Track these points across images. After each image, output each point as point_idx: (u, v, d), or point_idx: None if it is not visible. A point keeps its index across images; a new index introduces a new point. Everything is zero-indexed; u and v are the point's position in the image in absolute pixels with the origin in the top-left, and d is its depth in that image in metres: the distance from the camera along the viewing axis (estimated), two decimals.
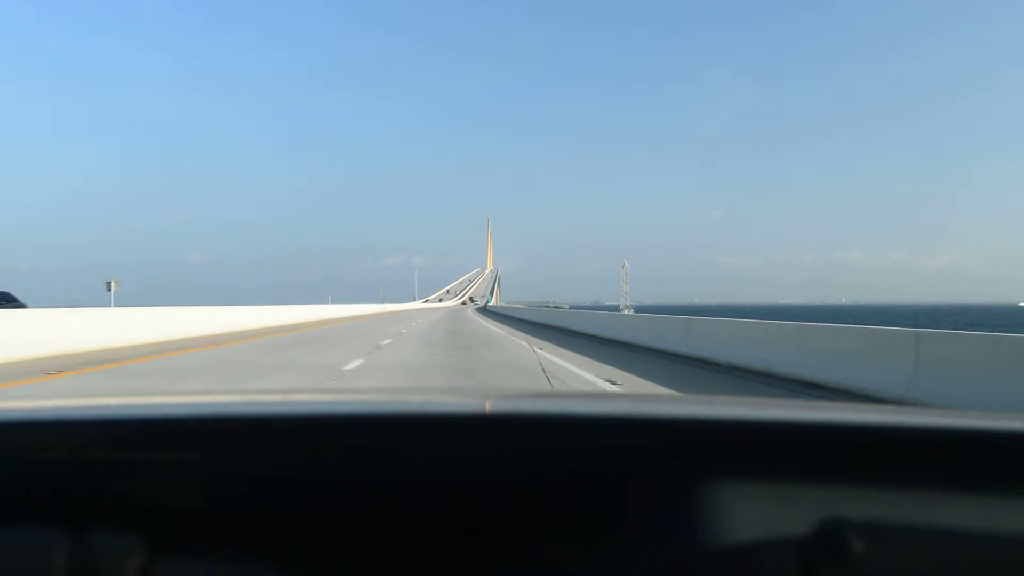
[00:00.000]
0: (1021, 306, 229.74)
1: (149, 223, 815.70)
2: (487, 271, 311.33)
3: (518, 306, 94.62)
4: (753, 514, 0.67)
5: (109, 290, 26.59)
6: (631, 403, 1.40)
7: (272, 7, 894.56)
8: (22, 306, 25.39)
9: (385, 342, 18.92)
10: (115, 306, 22.01)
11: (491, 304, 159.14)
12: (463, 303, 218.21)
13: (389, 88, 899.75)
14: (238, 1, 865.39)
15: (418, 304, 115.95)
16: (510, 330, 28.13)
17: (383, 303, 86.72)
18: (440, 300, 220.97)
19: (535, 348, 17.12)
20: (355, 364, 12.68)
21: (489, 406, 1.13)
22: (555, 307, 70.23)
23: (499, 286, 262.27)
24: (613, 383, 10.00)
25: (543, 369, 12.06)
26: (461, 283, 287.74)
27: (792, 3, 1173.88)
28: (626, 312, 45.37)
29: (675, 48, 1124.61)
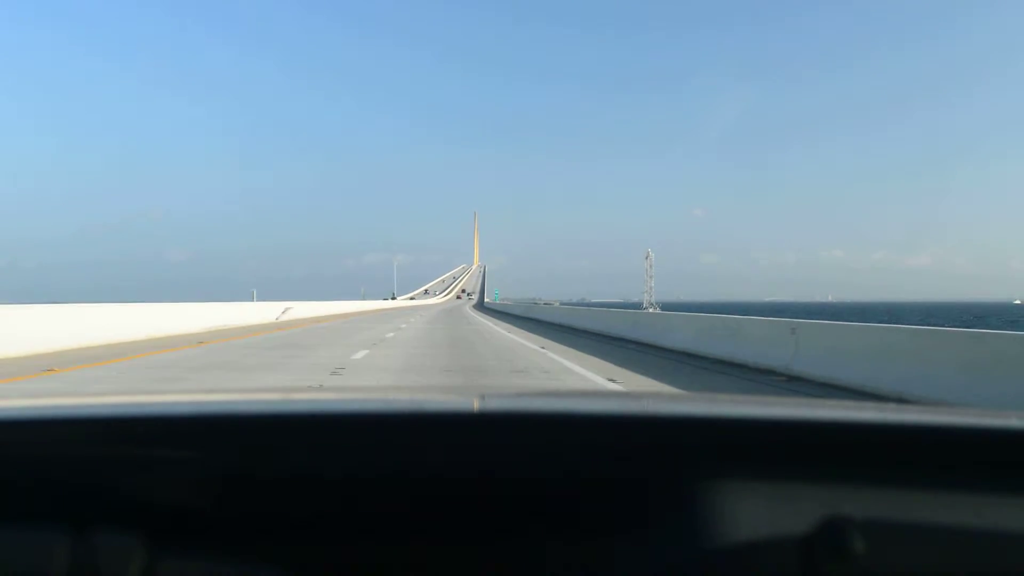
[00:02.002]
0: (1017, 304, 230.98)
1: (125, 220, 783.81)
2: (474, 267, 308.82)
3: (506, 302, 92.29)
4: (754, 512, 0.68)
5: None
6: (632, 401, 1.42)
7: (253, 8, 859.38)
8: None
9: None
10: (82, 303, 18.83)
11: (488, 300, 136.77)
12: (458, 297, 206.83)
13: (372, 90, 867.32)
14: (217, 2, 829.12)
15: (379, 304, 78.92)
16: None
17: (363, 299, 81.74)
18: (412, 299, 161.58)
19: None
20: None
21: (490, 404, 1.13)
22: (544, 304, 68.66)
23: (487, 283, 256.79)
24: None
25: None
26: (444, 280, 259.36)
27: (780, 10, 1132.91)
28: (651, 310, 38.25)
29: (663, 53, 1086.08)
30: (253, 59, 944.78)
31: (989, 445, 0.75)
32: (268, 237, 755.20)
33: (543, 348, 16.36)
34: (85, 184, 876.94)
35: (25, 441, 0.76)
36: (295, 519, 0.67)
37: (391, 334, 21.21)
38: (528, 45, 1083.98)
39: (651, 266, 76.40)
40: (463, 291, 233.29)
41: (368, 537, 0.67)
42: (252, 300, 37.95)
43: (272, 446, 0.74)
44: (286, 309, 35.23)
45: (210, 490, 0.70)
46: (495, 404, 1.15)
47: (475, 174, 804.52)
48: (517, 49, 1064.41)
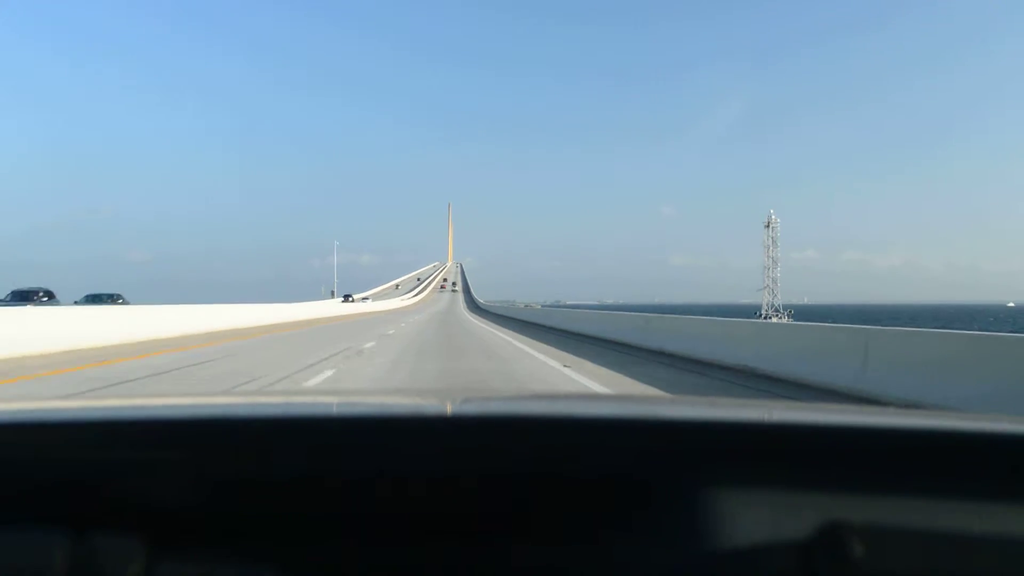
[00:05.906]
0: (1011, 306, 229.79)
1: (77, 220, 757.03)
2: (449, 264, 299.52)
3: (491, 303, 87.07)
4: (754, 517, 0.70)
5: None
6: (632, 405, 1.47)
7: (221, 4, 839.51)
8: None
9: None
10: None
11: (487, 301, 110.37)
12: (441, 288, 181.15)
13: (351, 89, 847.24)
14: None
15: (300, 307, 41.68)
16: None
17: (325, 299, 76.57)
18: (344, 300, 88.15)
19: None
20: None
21: (489, 408, 1.17)
22: (525, 306, 67.83)
23: (466, 282, 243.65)
24: None
25: None
26: (399, 285, 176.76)
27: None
28: (778, 320, 27.04)
29: (642, 49, 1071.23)
30: (216, 56, 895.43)
31: (988, 450, 0.77)
32: (234, 238, 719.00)
33: None
34: (39, 183, 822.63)
35: (25, 443, 0.77)
36: (292, 520, 0.69)
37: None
38: (503, 40, 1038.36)
39: (773, 241, 44.52)
40: (445, 280, 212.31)
41: (366, 538, 0.69)
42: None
43: (268, 448, 0.76)
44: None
45: (208, 492, 0.72)
46: (495, 407, 1.18)
47: (447, 174, 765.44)
48: (490, 44, 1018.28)
